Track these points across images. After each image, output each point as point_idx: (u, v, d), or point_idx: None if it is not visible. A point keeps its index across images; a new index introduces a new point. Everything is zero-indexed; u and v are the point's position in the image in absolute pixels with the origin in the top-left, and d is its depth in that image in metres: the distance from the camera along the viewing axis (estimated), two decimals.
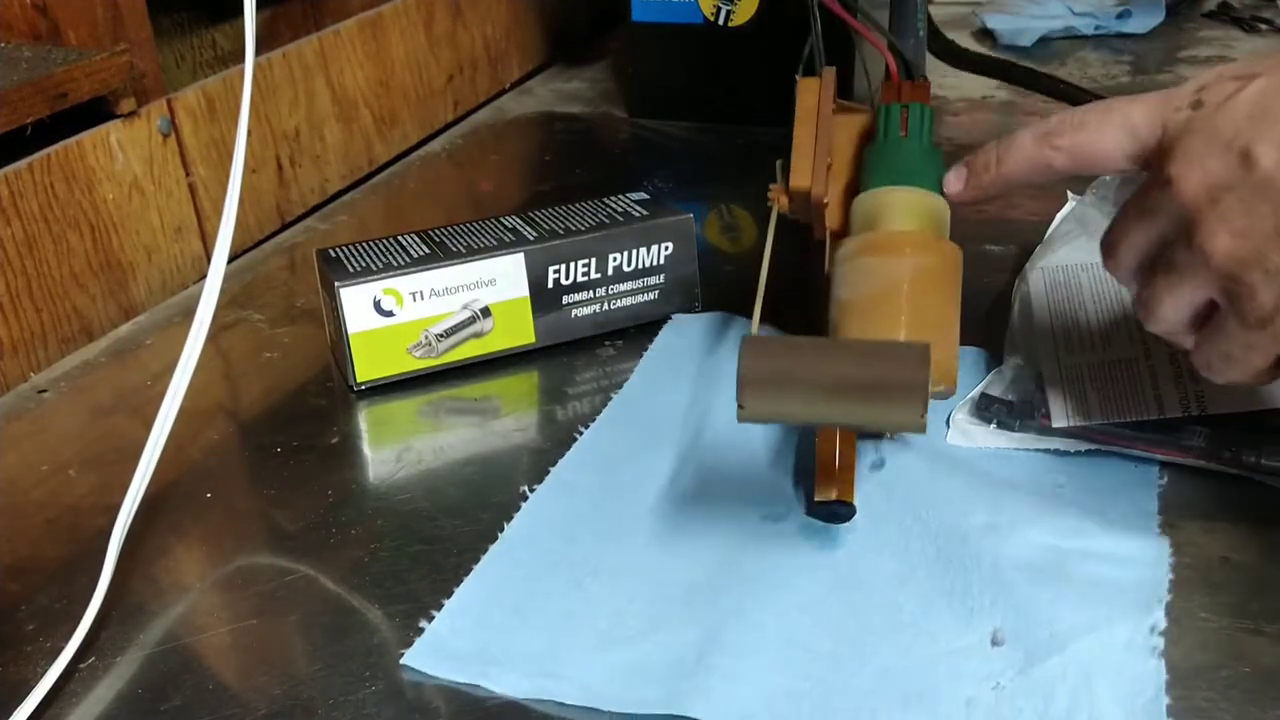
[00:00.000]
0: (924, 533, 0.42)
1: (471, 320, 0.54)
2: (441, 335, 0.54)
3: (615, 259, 0.57)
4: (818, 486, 0.43)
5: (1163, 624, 0.37)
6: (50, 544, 0.46)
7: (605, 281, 0.57)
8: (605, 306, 0.57)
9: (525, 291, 0.55)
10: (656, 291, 0.58)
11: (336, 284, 0.52)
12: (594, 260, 0.56)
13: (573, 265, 0.56)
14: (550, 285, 0.56)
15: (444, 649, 0.38)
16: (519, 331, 0.56)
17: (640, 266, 0.57)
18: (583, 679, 0.37)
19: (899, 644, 0.38)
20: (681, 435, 0.49)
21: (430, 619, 0.40)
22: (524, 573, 0.42)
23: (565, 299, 0.56)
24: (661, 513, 0.44)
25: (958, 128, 0.84)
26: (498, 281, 0.55)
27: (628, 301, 0.58)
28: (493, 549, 0.43)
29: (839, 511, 0.43)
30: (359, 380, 0.54)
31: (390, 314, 0.53)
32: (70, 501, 0.48)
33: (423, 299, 0.53)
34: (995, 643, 0.37)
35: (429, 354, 0.54)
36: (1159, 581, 0.39)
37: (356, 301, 0.53)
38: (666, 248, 0.57)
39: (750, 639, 0.38)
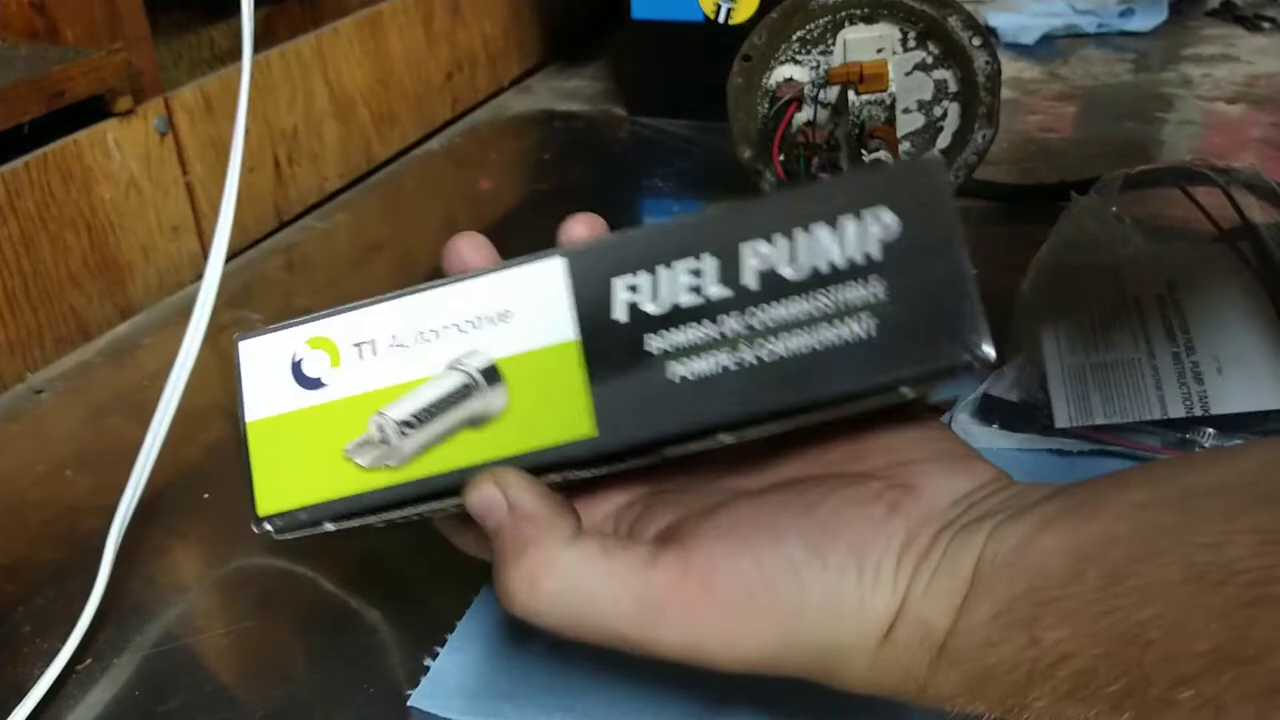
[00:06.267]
0: None
1: (464, 391, 0.30)
2: (408, 423, 0.30)
3: (761, 252, 0.28)
4: None
5: None
6: (47, 545, 0.45)
7: (742, 300, 0.28)
8: (749, 354, 0.28)
9: (570, 331, 0.29)
10: (871, 318, 0.28)
11: (237, 340, 0.32)
12: (711, 258, 0.29)
13: (664, 271, 0.29)
14: (623, 315, 0.29)
15: (452, 687, 0.37)
16: (561, 416, 0.29)
17: (827, 266, 0.28)
18: (601, 711, 0.36)
19: None
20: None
21: (430, 630, 0.39)
22: None
23: (651, 342, 0.29)
24: None
25: None
26: (514, 316, 0.30)
27: (800, 342, 0.28)
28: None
29: None
30: (260, 514, 0.31)
31: (317, 383, 0.31)
32: (67, 502, 0.48)
33: (373, 354, 0.31)
34: None
35: (384, 460, 0.30)
36: None
37: (263, 365, 0.32)
38: (885, 222, 0.28)
39: None
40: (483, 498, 0.30)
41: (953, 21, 0.61)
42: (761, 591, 0.28)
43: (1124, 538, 0.26)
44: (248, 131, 0.46)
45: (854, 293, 0.28)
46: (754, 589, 0.28)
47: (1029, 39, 1.00)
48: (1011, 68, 0.95)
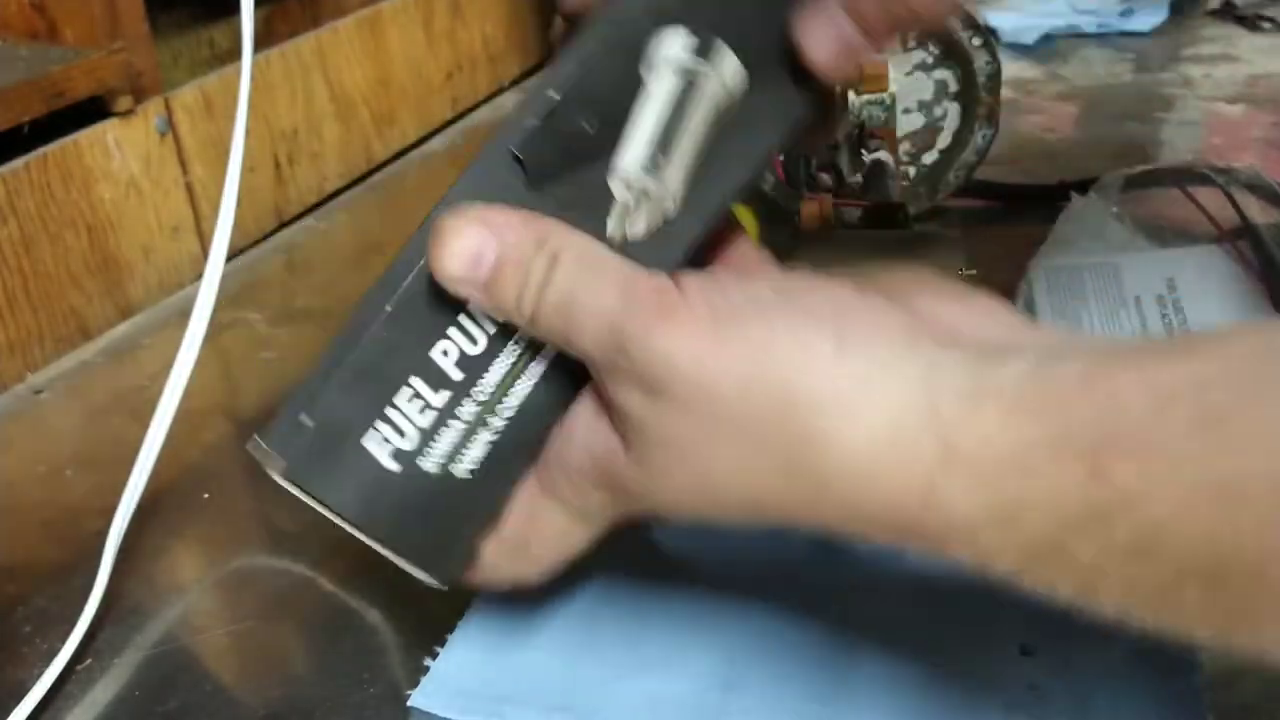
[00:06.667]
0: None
1: None
2: None
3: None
4: None
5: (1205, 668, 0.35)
6: (47, 545, 0.45)
7: None
8: None
9: None
10: None
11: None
12: None
13: None
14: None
15: (453, 686, 0.37)
16: None
17: None
18: (602, 711, 0.36)
19: (927, 660, 0.37)
20: None
21: (430, 630, 0.39)
22: (528, 601, 0.40)
23: None
24: (659, 530, 0.43)
25: None
26: None
27: None
28: None
29: None
30: None
31: None
32: (67, 503, 0.48)
33: None
34: (1025, 652, 0.37)
35: None
36: None
37: None
38: None
39: (777, 668, 0.37)
40: (467, 246, 0.31)
41: (953, 21, 0.61)
42: (729, 319, 0.28)
43: (1220, 381, 0.22)
44: (248, 131, 0.46)
45: None
46: (720, 314, 0.28)
47: (1029, 39, 1.00)
48: (1011, 68, 0.94)
